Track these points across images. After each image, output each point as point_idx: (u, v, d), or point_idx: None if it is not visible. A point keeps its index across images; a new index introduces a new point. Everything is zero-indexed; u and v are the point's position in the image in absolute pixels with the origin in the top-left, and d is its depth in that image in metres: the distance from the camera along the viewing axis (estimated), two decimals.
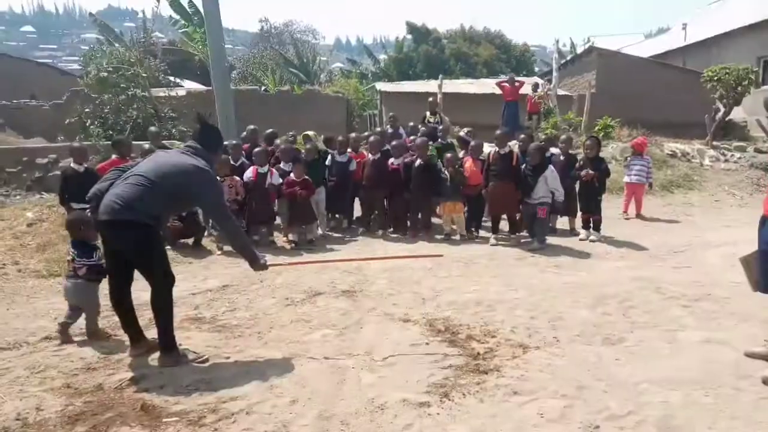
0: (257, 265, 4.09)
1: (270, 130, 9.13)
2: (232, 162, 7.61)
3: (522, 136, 8.63)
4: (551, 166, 7.19)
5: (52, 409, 3.26)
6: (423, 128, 10.14)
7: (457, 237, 7.76)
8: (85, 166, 7.08)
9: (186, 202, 4.06)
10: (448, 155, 7.68)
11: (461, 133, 9.35)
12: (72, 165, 7.06)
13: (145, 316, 4.84)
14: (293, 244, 7.49)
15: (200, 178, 3.76)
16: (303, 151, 8.33)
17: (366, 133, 9.63)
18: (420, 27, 32.89)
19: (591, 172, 7.46)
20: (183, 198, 3.90)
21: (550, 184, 7.04)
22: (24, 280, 6.07)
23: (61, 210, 7.31)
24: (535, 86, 15.21)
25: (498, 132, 7.68)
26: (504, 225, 7.84)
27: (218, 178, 4.11)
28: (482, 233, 7.90)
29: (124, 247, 3.79)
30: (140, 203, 3.63)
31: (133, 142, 8.61)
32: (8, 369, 3.83)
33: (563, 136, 8.72)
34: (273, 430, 3.02)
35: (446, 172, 7.61)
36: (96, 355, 4.08)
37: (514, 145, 8.29)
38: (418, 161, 7.75)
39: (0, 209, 8.90)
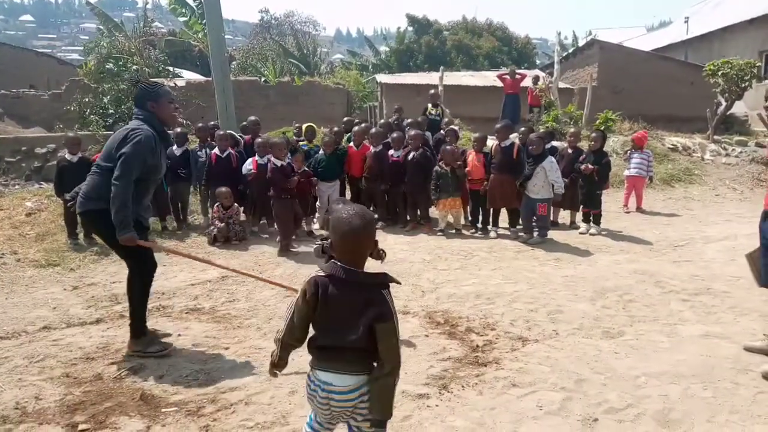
0: (124, 235, 3.60)
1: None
2: (218, 153, 7.57)
3: (522, 128, 8.60)
4: (551, 157, 7.12)
5: (51, 399, 3.26)
6: (419, 119, 10.03)
7: (453, 231, 7.73)
8: (79, 155, 7.05)
9: (141, 174, 3.72)
10: (448, 148, 7.60)
11: (451, 127, 9.29)
12: (66, 155, 7.03)
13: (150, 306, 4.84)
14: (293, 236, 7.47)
15: (125, 136, 3.67)
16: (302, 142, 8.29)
17: (364, 125, 9.50)
18: (421, 19, 32.76)
19: (591, 166, 7.44)
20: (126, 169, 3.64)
21: (549, 176, 6.98)
22: (23, 270, 6.06)
23: (59, 200, 7.30)
24: (536, 79, 15.15)
25: (498, 125, 7.62)
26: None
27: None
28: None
29: (99, 236, 3.84)
30: (98, 192, 3.67)
31: None
32: (7, 358, 3.84)
33: (572, 130, 8.65)
34: (272, 421, 3.02)
35: (444, 166, 7.50)
36: (95, 345, 4.08)
37: (515, 137, 8.25)
38: (413, 154, 7.70)
39: None
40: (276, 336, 2.20)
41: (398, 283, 2.14)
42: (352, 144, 8.39)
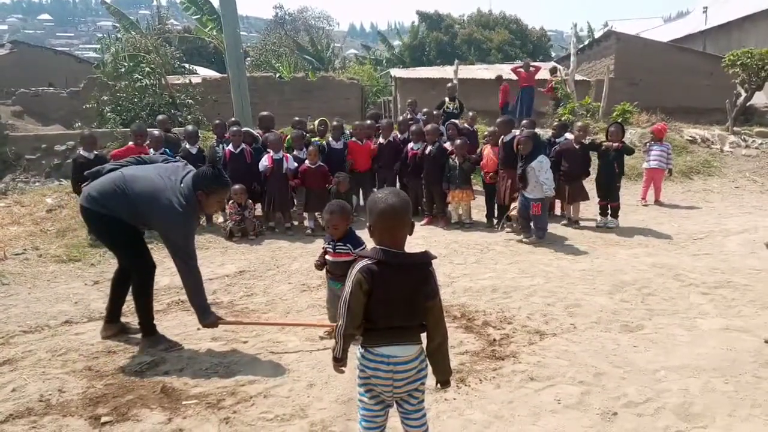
0: (206, 320, 3.86)
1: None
2: (231, 149, 7.60)
3: (524, 121, 8.35)
4: (542, 156, 6.70)
5: (74, 391, 3.32)
6: (434, 112, 9.96)
7: (465, 224, 7.71)
8: (95, 153, 7.15)
9: (149, 224, 4.04)
10: (458, 142, 7.57)
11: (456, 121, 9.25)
12: (82, 152, 7.13)
13: (162, 301, 4.91)
14: (309, 231, 7.52)
15: (167, 216, 3.69)
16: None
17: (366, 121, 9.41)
18: (432, 14, 32.59)
19: (615, 145, 7.37)
20: (147, 221, 3.92)
21: (538, 176, 6.59)
22: (45, 265, 6.16)
23: (78, 197, 7.40)
24: (554, 70, 15.01)
25: (498, 120, 7.59)
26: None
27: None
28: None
29: (94, 233, 4.09)
30: (109, 202, 3.75)
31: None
32: (31, 352, 3.91)
33: (579, 124, 8.47)
34: (291, 413, 3.05)
35: (455, 159, 7.50)
36: (116, 338, 4.13)
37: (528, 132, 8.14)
38: (429, 148, 7.68)
39: (20, 196, 9.03)
40: (337, 332, 2.21)
41: (435, 258, 2.22)
42: (354, 139, 8.36)
